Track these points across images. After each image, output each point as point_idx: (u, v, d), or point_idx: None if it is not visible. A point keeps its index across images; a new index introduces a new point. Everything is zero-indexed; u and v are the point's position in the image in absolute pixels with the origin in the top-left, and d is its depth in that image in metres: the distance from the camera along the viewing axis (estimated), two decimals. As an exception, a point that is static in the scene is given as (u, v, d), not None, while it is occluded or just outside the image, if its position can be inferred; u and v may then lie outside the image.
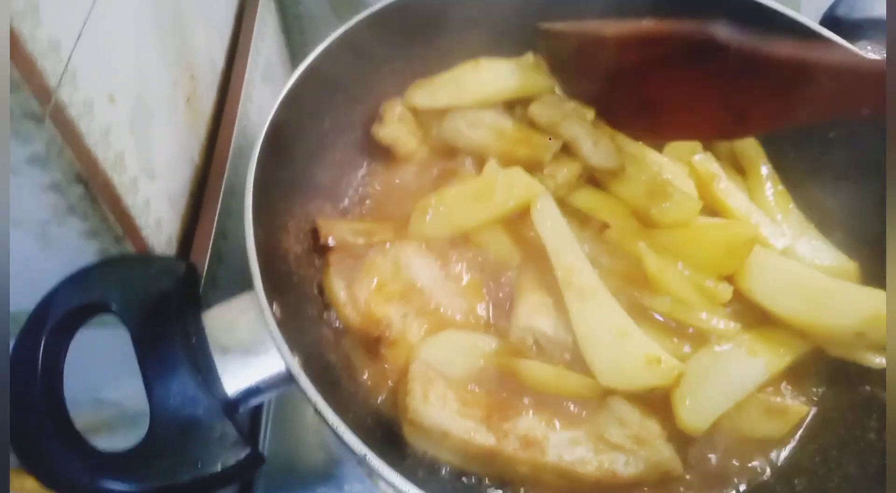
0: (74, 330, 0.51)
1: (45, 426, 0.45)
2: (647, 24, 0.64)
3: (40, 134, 0.45)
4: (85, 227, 0.52)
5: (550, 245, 0.69)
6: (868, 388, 0.64)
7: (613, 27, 0.67)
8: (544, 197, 0.70)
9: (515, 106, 0.82)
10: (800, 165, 0.78)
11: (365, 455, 0.47)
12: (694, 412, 0.59)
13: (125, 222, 0.55)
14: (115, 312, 0.52)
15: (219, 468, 0.46)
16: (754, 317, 0.68)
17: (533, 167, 0.74)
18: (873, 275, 0.68)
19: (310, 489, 0.70)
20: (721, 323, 0.67)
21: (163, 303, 0.53)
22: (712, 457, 0.62)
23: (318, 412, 0.49)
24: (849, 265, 0.70)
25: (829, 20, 0.81)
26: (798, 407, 0.62)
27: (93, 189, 0.50)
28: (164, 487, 0.45)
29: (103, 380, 0.78)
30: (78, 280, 0.51)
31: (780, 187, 0.77)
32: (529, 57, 0.84)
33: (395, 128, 0.83)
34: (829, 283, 0.64)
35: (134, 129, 0.57)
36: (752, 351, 0.64)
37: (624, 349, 0.61)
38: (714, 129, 0.68)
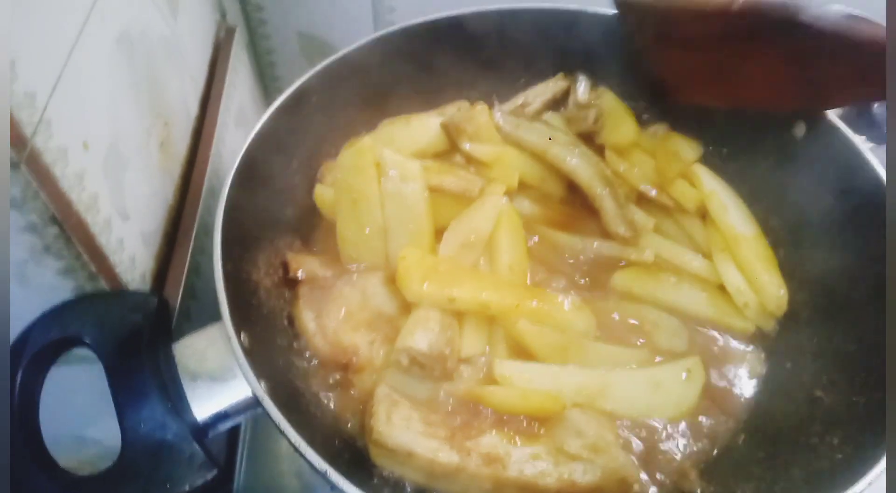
0: (50, 363, 0.54)
1: (19, 453, 0.47)
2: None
3: (16, 179, 0.48)
4: (60, 265, 0.56)
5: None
6: (818, 394, 0.68)
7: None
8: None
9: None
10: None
11: (326, 471, 0.49)
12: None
13: (99, 260, 0.58)
14: (88, 345, 0.54)
15: (187, 488, 0.48)
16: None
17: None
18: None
19: (285, 517, 0.72)
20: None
21: (134, 335, 0.56)
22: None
23: (281, 432, 0.52)
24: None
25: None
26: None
27: (67, 230, 0.53)
28: (135, 507, 0.47)
29: (84, 419, 0.80)
30: (53, 316, 0.54)
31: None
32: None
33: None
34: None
35: (108, 173, 0.60)
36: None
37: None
38: (789, 101, 0.72)
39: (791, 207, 0.77)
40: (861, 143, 0.72)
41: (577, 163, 0.81)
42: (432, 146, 0.86)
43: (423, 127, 0.86)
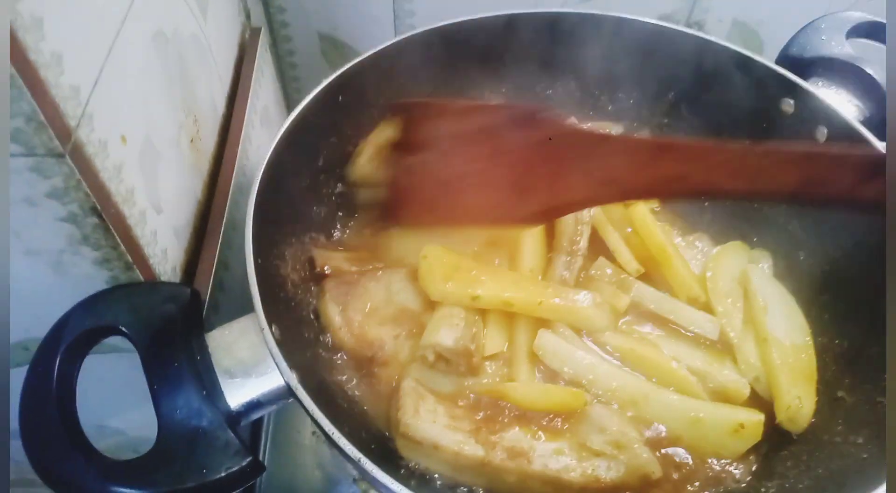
0: (87, 350, 0.55)
1: (59, 437, 0.48)
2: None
3: (60, 169, 0.50)
4: (97, 255, 0.57)
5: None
6: (840, 394, 0.68)
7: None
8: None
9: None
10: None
11: (359, 459, 0.50)
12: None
13: (135, 252, 0.59)
14: (124, 333, 0.56)
15: (223, 473, 0.49)
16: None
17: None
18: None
19: (308, 510, 0.72)
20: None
21: (169, 325, 0.57)
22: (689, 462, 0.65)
23: (315, 421, 0.53)
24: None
25: (784, 59, 0.87)
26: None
27: (106, 220, 0.54)
28: (172, 491, 0.48)
29: (107, 408, 0.82)
30: (90, 304, 0.55)
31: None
32: None
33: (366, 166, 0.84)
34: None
35: (143, 166, 0.62)
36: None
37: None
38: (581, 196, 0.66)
39: (812, 209, 0.78)
40: (883, 147, 0.72)
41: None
42: None
43: None
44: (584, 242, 0.78)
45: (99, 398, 0.75)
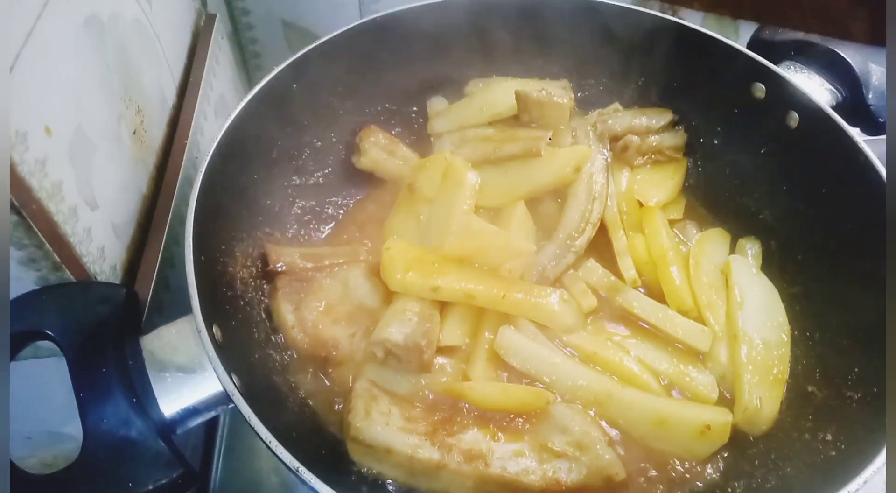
0: (11, 357, 0.52)
1: (-28, 452, 0.45)
2: None
3: (-32, 163, 0.46)
4: (22, 255, 0.53)
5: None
6: (810, 389, 0.66)
7: None
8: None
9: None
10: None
11: (297, 469, 0.47)
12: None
13: (63, 250, 0.55)
14: (51, 338, 0.52)
15: (150, 487, 0.46)
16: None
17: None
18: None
19: (263, 516, 0.69)
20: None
21: (100, 328, 0.53)
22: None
23: (253, 428, 0.50)
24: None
25: (756, 43, 0.85)
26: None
27: (27, 218, 0.51)
28: (93, 508, 0.45)
29: (59, 414, 0.78)
30: (14, 308, 0.52)
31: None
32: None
33: (375, 154, 0.84)
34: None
35: (73, 159, 0.58)
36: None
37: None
38: None
39: (784, 197, 0.76)
40: (856, 134, 0.70)
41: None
42: (512, 109, 0.82)
43: (503, 92, 0.84)
44: (582, 240, 0.74)
45: (47, 404, 0.72)
